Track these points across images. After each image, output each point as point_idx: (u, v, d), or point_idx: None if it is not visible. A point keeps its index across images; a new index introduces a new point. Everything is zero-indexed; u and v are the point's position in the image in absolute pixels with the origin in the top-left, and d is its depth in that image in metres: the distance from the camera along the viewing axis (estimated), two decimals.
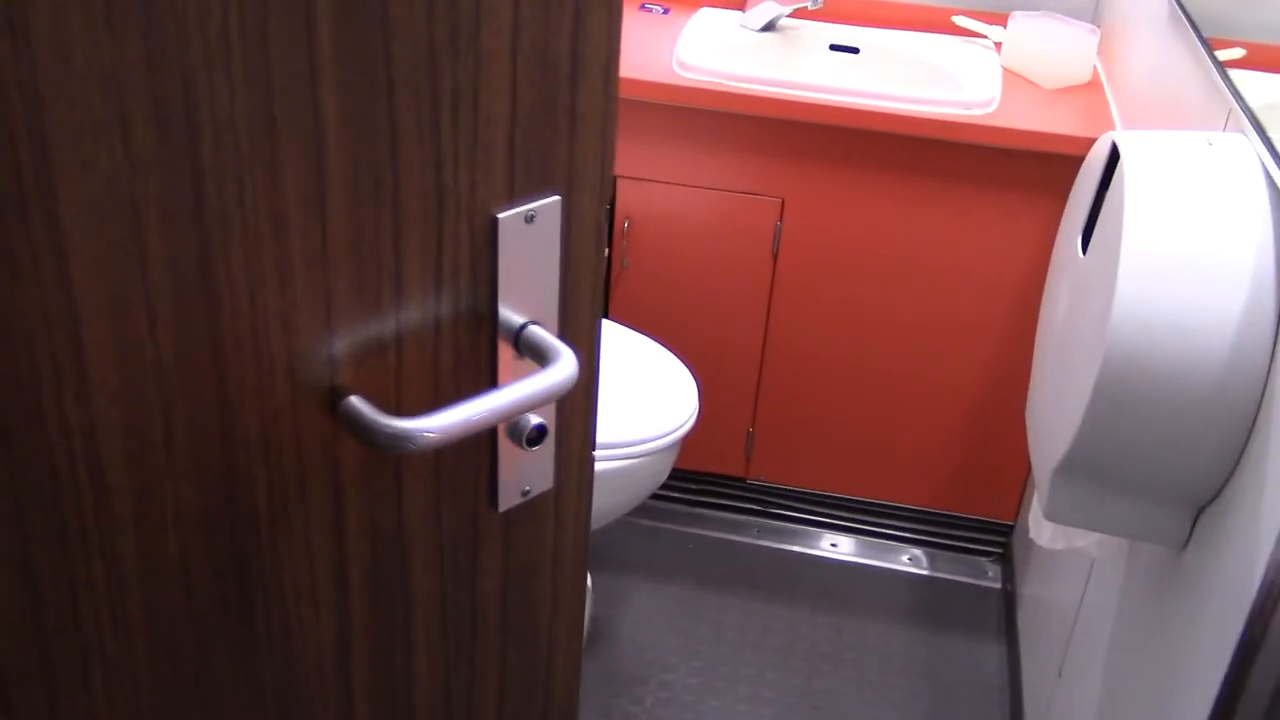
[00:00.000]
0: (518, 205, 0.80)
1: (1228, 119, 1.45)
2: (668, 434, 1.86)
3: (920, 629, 2.35)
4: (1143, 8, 2.03)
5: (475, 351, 0.83)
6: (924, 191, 2.15)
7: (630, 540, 2.46)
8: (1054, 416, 1.39)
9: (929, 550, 2.53)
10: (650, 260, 2.31)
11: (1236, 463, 1.25)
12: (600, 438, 1.82)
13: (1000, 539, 2.50)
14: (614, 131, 0.85)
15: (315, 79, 0.67)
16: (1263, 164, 1.26)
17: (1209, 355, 1.20)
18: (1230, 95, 1.42)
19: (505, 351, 0.84)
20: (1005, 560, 2.49)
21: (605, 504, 1.91)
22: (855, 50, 2.38)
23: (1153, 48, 1.94)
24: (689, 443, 1.91)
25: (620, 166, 2.23)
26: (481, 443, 0.86)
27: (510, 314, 0.83)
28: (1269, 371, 1.20)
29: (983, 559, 2.51)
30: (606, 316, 2.22)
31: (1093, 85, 2.25)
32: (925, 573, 2.49)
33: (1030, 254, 2.16)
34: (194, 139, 0.63)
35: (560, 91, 0.79)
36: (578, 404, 0.93)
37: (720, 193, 2.22)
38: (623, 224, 2.27)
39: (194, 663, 0.77)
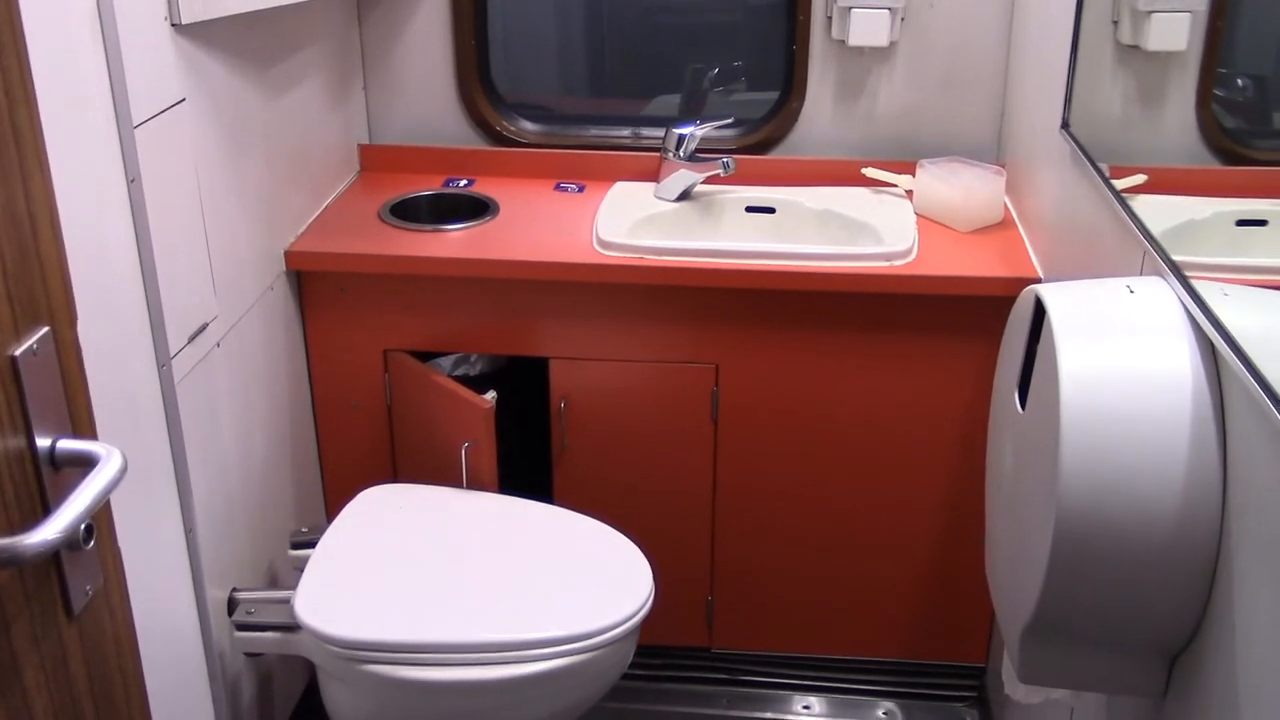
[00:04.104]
0: (24, 342, 0.96)
1: (1143, 260, 1.47)
2: (625, 621, 1.80)
3: None
4: (1043, 146, 2.09)
5: (26, 475, 0.96)
6: (856, 344, 2.16)
7: None
8: (1014, 578, 1.37)
9: (903, 702, 2.46)
10: (590, 438, 2.28)
11: (1204, 607, 1.23)
12: (555, 632, 1.76)
13: (974, 683, 2.45)
14: (66, 266, 1.03)
15: None
16: (1184, 306, 1.27)
17: (1161, 506, 1.18)
18: (1142, 236, 1.45)
19: (46, 468, 0.99)
20: (982, 704, 2.44)
21: (570, 700, 1.84)
22: (771, 210, 2.41)
23: (1059, 185, 1.98)
24: (648, 618, 1.86)
25: (551, 347, 2.22)
26: (48, 558, 0.98)
27: (42, 435, 0.98)
28: (1222, 512, 1.19)
29: (959, 704, 2.45)
30: (550, 500, 2.18)
31: (1006, 224, 2.29)
32: None
33: (967, 394, 2.16)
34: None
35: (28, 241, 0.97)
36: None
37: (654, 364, 2.21)
38: (559, 405, 2.25)
39: None
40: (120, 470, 0.97)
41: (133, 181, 1.53)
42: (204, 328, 1.79)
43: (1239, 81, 1.45)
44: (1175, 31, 1.53)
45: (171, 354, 1.66)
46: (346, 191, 2.48)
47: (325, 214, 2.34)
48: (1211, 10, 1.44)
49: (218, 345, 1.85)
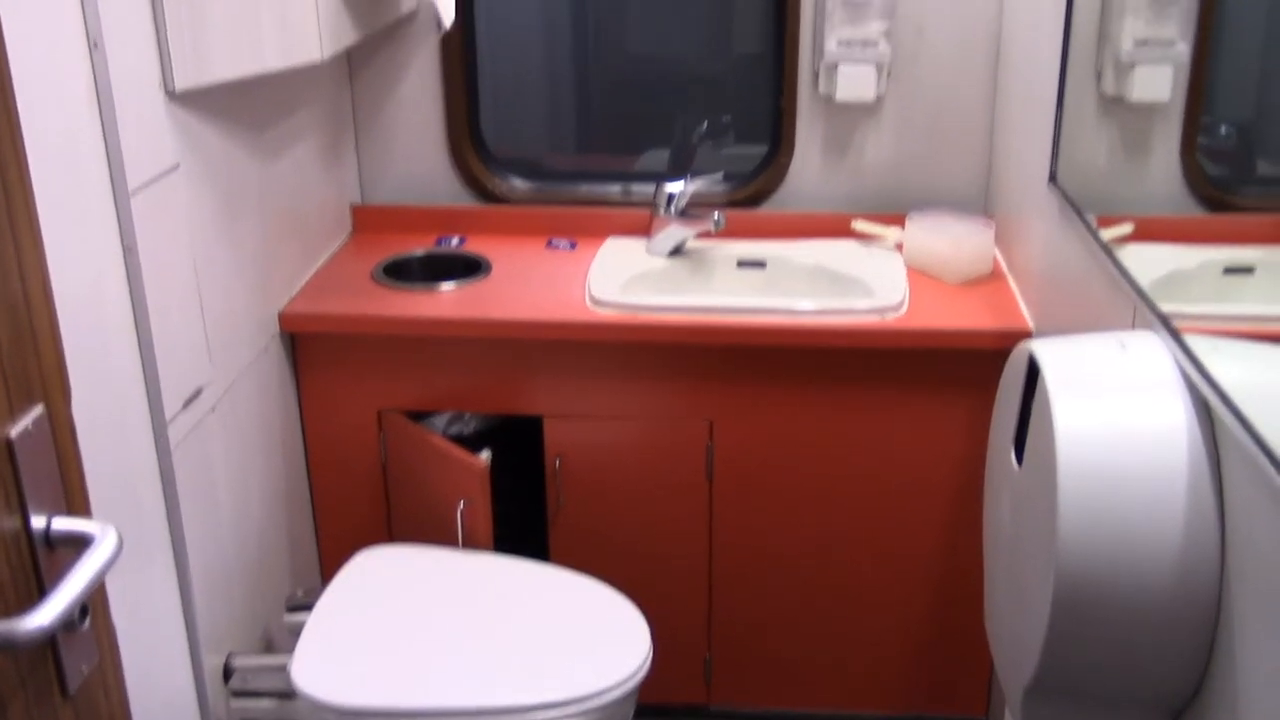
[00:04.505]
0: (19, 422, 0.95)
1: (1135, 313, 1.48)
2: (624, 681, 1.79)
3: None
4: (1031, 198, 2.10)
5: (21, 556, 0.95)
6: (849, 397, 2.16)
7: None
8: (1015, 635, 1.36)
9: None
10: (585, 496, 2.27)
11: (1207, 664, 1.22)
12: (554, 695, 1.75)
13: None
14: (60, 343, 1.03)
15: None
16: (1177, 363, 1.28)
17: (1160, 563, 1.18)
18: (1134, 293, 1.46)
19: (42, 548, 0.98)
20: None
21: None
22: (762, 265, 2.42)
23: (1047, 237, 2.00)
24: (647, 677, 1.85)
25: (545, 405, 2.22)
26: (44, 642, 0.96)
27: (37, 515, 0.97)
28: (1221, 568, 1.19)
29: None
30: (547, 559, 2.17)
31: (996, 276, 2.30)
32: None
33: (961, 446, 2.16)
34: None
35: (22, 319, 0.97)
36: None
37: (648, 421, 2.22)
38: (554, 463, 2.24)
39: None
40: (115, 551, 0.97)
41: (129, 250, 1.53)
42: (198, 392, 1.79)
43: (1222, 129, 1.46)
44: (1158, 82, 1.55)
45: (167, 421, 1.66)
46: (339, 252, 2.49)
47: (318, 275, 2.35)
48: (1194, 61, 1.46)
49: (212, 410, 1.85)
